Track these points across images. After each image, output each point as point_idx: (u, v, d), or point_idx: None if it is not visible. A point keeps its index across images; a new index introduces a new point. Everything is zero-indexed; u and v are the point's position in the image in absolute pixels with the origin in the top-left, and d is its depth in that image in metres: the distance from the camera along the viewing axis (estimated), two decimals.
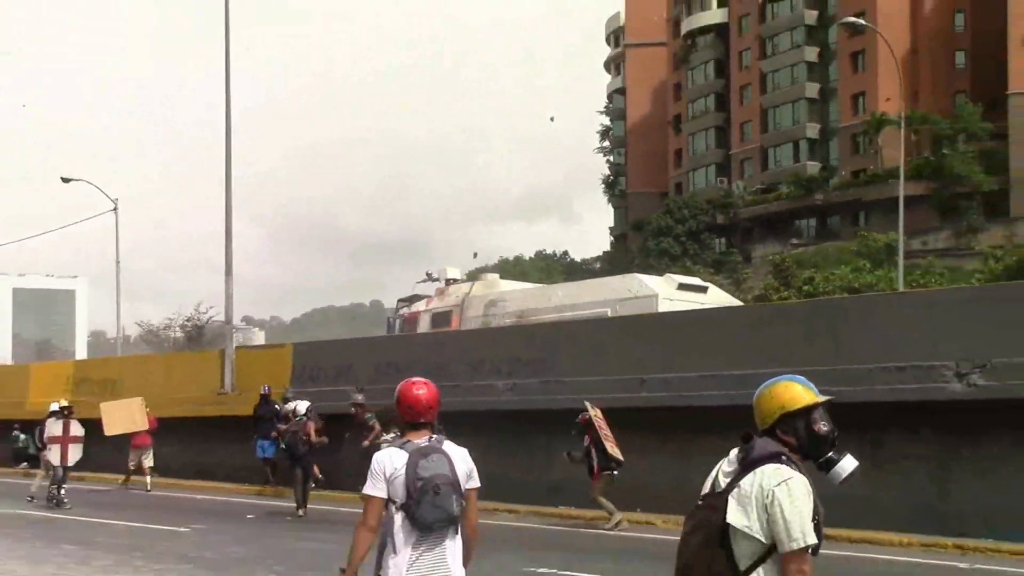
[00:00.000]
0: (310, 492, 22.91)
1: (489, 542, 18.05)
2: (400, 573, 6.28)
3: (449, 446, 6.52)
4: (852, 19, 61.32)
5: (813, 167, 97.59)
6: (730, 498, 4.78)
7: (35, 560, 16.68)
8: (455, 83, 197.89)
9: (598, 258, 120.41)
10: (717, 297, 30.27)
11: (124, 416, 28.05)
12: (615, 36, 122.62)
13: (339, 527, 18.90)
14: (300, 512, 22.29)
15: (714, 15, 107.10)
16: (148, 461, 28.54)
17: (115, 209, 56.26)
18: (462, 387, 23.17)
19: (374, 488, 6.37)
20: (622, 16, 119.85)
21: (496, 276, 35.10)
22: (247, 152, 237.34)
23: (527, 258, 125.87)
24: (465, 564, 6.57)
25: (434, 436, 6.56)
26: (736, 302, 33.99)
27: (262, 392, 26.51)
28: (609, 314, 26.45)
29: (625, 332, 22.96)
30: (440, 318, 31.58)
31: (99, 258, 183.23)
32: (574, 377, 21.60)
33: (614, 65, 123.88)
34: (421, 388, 6.65)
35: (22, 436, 32.73)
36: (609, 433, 19.76)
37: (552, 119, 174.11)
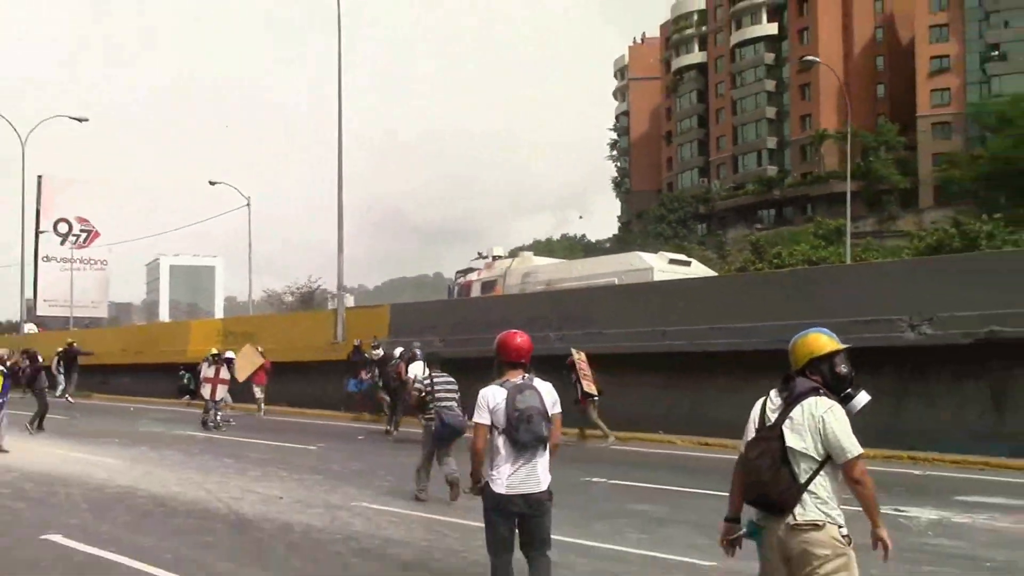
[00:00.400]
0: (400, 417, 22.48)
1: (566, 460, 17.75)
2: (503, 480, 6.47)
3: (538, 383, 6.61)
4: (810, 57, 61.70)
5: (772, 170, 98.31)
6: (784, 428, 4.98)
7: (205, 470, 16.18)
8: (506, 94, 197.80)
9: (609, 239, 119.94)
10: (699, 269, 30.09)
11: (246, 363, 27.95)
12: (620, 72, 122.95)
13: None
14: (392, 431, 22.25)
15: (696, 57, 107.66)
16: (260, 393, 28.54)
17: (248, 204, 56.69)
18: None
19: (480, 417, 6.56)
20: (626, 58, 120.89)
21: (531, 253, 35.19)
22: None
23: (555, 239, 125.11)
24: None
25: (526, 375, 6.65)
26: (712, 272, 33.69)
27: (355, 344, 26.39)
28: (616, 282, 26.16)
29: (649, 294, 22.43)
30: (488, 286, 31.42)
31: (233, 241, 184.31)
32: (610, 329, 21.07)
33: (620, 94, 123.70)
34: (518, 337, 6.81)
35: (186, 376, 32.58)
36: (588, 372, 19.94)
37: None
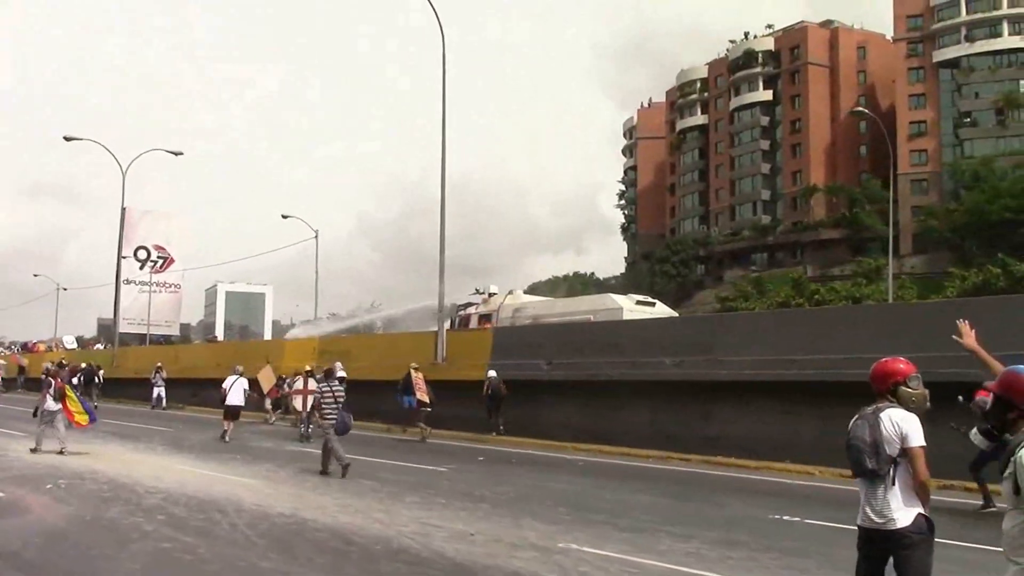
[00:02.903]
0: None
1: (731, 490, 15.03)
2: (860, 512, 5.25)
3: (884, 414, 5.12)
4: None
5: (766, 219, 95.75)
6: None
7: (355, 493, 13.22)
8: (517, 144, 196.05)
9: (616, 277, 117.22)
10: (662, 309, 29.59)
11: (265, 380, 28.31)
12: (629, 132, 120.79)
13: (564, 470, 15.75)
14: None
15: (698, 119, 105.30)
16: (267, 404, 29.03)
17: (316, 236, 54.38)
18: (635, 362, 19.93)
19: None
20: (635, 119, 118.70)
21: (521, 291, 34.23)
22: (377, 204, 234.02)
23: (564, 276, 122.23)
24: (924, 506, 5.11)
25: (879, 405, 5.20)
26: (673, 313, 32.39)
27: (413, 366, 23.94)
28: (592, 319, 25.59)
29: (777, 322, 19.63)
30: (484, 318, 30.90)
31: (282, 268, 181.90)
32: (732, 357, 18.21)
33: (629, 150, 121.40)
34: (879, 364, 5.38)
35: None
36: (423, 386, 22.29)
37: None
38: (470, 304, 33.78)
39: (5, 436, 22.66)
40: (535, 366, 21.50)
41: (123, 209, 72.38)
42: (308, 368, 24.42)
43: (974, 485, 12.89)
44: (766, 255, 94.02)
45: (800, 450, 16.90)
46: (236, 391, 23.89)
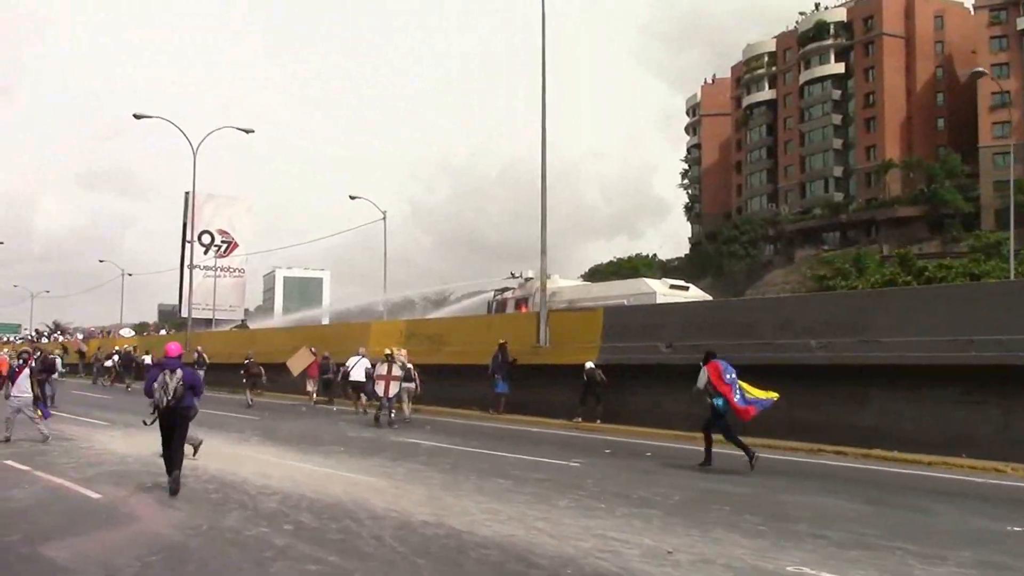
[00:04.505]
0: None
1: (924, 492, 13.03)
2: None
3: None
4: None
5: (838, 196, 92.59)
6: None
7: (491, 494, 11.48)
8: (565, 126, 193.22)
9: (678, 259, 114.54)
10: (696, 293, 29.10)
11: (299, 362, 28.98)
12: (692, 109, 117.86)
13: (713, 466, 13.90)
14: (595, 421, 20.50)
15: (766, 94, 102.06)
16: (311, 386, 29.17)
17: (384, 217, 53.05)
18: (771, 344, 17.92)
19: None
20: (699, 96, 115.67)
21: (557, 276, 32.38)
22: (424, 190, 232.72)
23: (627, 258, 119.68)
24: None
25: None
26: (707, 297, 31.05)
27: (500, 343, 23.69)
28: (625, 303, 25.00)
29: (946, 298, 17.48)
30: (520, 303, 30.61)
31: (334, 253, 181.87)
32: (893, 338, 16.12)
33: (692, 128, 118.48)
34: None
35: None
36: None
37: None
38: (507, 288, 32.99)
39: (88, 426, 21.35)
40: (652, 348, 19.60)
41: (186, 194, 72.00)
42: (388, 352, 23.14)
43: None
44: (838, 234, 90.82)
45: (979, 444, 14.83)
46: (358, 369, 25.16)
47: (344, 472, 13.65)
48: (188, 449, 13.43)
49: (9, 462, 14.58)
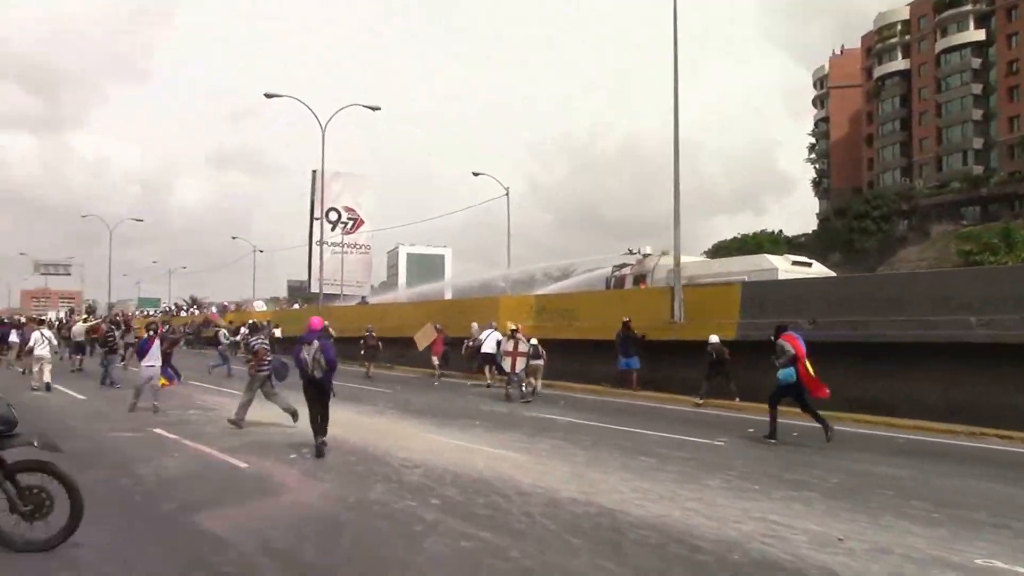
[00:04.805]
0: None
1: None
2: None
3: None
4: None
5: (978, 169, 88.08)
6: None
7: (639, 473, 11.01)
8: (697, 102, 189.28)
9: (805, 235, 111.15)
10: (819, 269, 28.29)
11: (424, 337, 29.65)
12: (820, 82, 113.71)
13: (871, 448, 13.16)
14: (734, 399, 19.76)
15: (899, 64, 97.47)
16: (436, 361, 29.29)
17: (507, 194, 52.97)
18: (925, 321, 16.93)
19: None
20: (826, 68, 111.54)
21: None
22: (543, 167, 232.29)
23: (752, 234, 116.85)
24: None
25: None
26: (830, 273, 29.95)
27: (624, 320, 22.96)
28: (746, 279, 24.06)
29: None
30: (639, 279, 30.23)
31: (455, 231, 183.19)
32: None
33: (819, 101, 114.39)
34: None
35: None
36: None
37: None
38: (625, 265, 32.48)
39: (229, 396, 21.77)
40: (793, 325, 18.76)
41: (313, 172, 73.40)
42: (514, 328, 23.09)
43: None
44: (978, 208, 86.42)
45: None
46: (490, 342, 25.41)
47: (483, 446, 13.45)
48: (283, 419, 13.49)
49: (158, 431, 14.91)
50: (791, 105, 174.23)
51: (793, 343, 14.32)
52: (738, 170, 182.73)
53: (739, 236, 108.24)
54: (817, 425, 14.35)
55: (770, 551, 7.43)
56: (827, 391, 14.08)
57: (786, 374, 14.21)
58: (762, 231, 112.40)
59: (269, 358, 15.84)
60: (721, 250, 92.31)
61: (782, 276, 24.66)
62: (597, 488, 10.10)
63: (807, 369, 14.12)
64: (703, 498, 9.63)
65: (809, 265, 27.82)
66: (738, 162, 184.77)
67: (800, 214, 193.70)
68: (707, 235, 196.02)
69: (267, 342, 16.44)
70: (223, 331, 34.84)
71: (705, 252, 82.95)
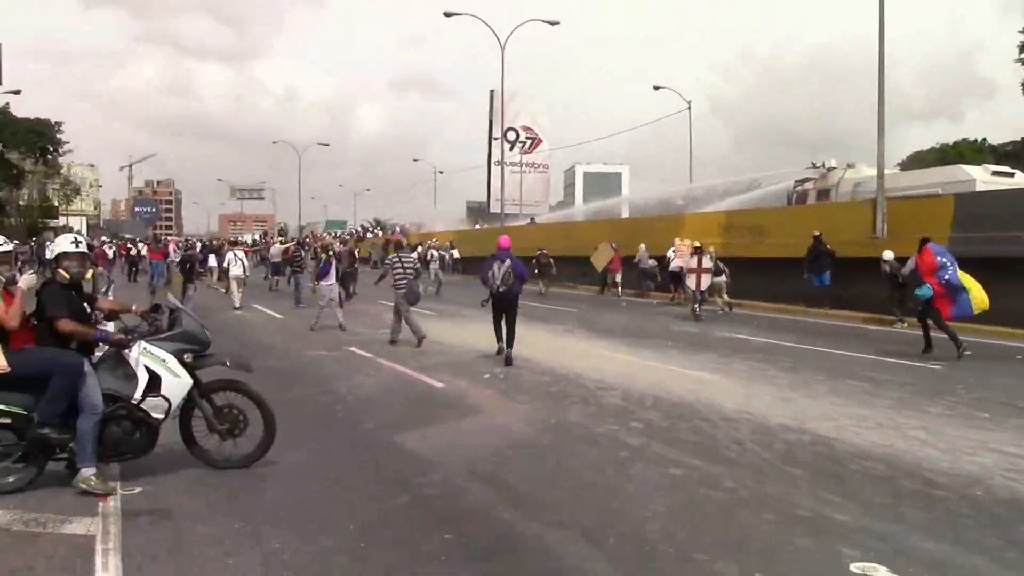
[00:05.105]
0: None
1: None
2: None
3: None
4: None
5: None
6: None
7: (863, 402, 10.44)
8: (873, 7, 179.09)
9: (1012, 143, 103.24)
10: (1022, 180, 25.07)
11: (601, 257, 30.12)
12: None
13: None
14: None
15: None
16: (618, 278, 29.90)
17: (688, 107, 51.46)
18: None
19: None
20: None
21: (864, 165, 29.17)
22: (725, 82, 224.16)
23: (951, 144, 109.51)
24: None
25: None
26: None
27: (815, 235, 22.33)
28: (939, 192, 22.60)
29: None
30: (822, 194, 28.90)
31: (636, 147, 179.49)
32: None
33: None
34: None
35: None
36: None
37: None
38: (807, 179, 31.02)
39: (419, 315, 22.04)
40: (1015, 239, 17.27)
41: (491, 92, 73.37)
42: (697, 245, 22.47)
43: None
44: None
45: None
46: (675, 262, 25.30)
47: (678, 368, 13.00)
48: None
49: (353, 349, 15.19)
50: (998, 3, 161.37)
51: (921, 258, 14.15)
52: (935, 77, 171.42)
53: (938, 146, 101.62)
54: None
55: (1018, 488, 6.70)
56: (945, 313, 13.96)
57: (921, 291, 14.09)
58: (963, 140, 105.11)
59: (403, 278, 15.92)
60: (916, 161, 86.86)
61: (980, 188, 22.92)
62: (807, 414, 9.50)
63: (939, 284, 13.87)
64: (928, 427, 8.88)
65: (1012, 175, 25.66)
66: (934, 68, 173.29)
67: (1003, 120, 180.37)
68: (897, 146, 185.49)
69: (399, 260, 16.31)
70: (435, 251, 36.09)
71: (898, 164, 78.34)
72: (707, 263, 21.61)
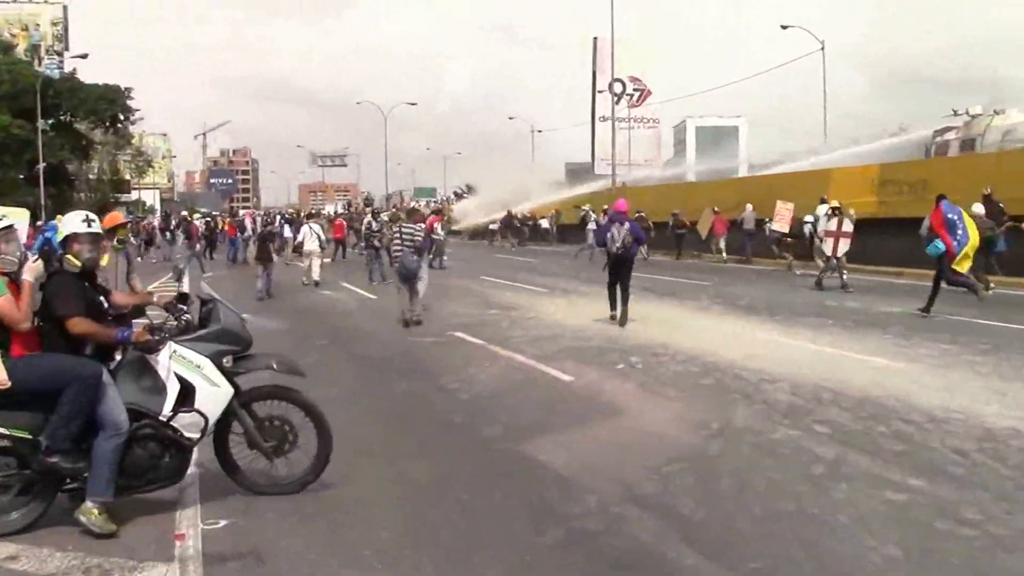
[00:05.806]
0: None
1: None
2: None
3: None
4: None
5: None
6: None
7: None
8: None
9: None
10: None
11: (705, 222, 31.38)
12: None
13: None
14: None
15: None
16: (722, 244, 30.72)
17: (822, 49, 49.40)
18: None
19: None
20: None
21: (1015, 111, 28.50)
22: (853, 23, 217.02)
23: None
24: None
25: None
26: None
27: (984, 193, 21.15)
28: None
29: None
30: (967, 144, 28.15)
31: (756, 98, 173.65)
32: None
33: None
34: None
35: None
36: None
37: None
38: (948, 128, 30.04)
39: (524, 292, 21.27)
40: None
41: (595, 39, 71.87)
42: (835, 205, 21.52)
43: None
44: None
45: None
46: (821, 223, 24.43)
47: (851, 353, 11.81)
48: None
49: (459, 334, 14.38)
50: None
51: (934, 216, 14.93)
52: None
53: None
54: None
55: None
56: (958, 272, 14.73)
57: (932, 248, 14.88)
58: None
59: (398, 250, 15.99)
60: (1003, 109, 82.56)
61: None
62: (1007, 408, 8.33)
63: (949, 242, 14.56)
64: None
65: None
66: None
67: None
68: None
69: (399, 232, 16.26)
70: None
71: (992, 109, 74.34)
72: (847, 226, 20.48)
